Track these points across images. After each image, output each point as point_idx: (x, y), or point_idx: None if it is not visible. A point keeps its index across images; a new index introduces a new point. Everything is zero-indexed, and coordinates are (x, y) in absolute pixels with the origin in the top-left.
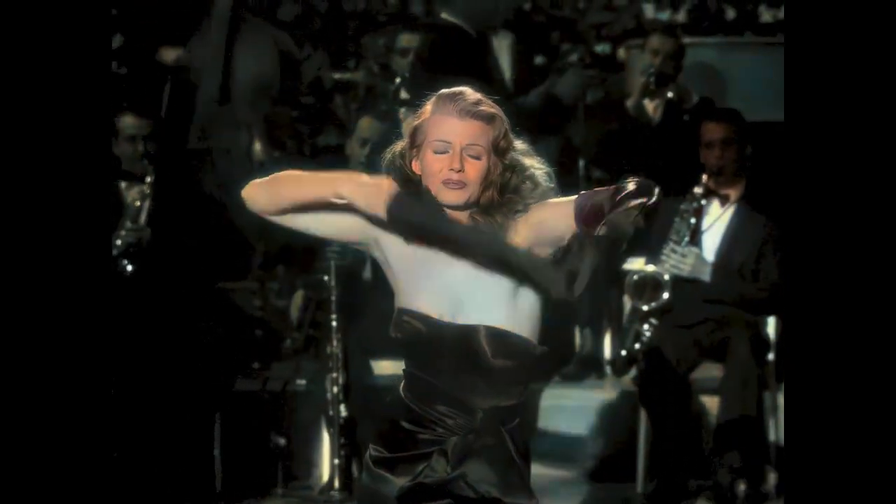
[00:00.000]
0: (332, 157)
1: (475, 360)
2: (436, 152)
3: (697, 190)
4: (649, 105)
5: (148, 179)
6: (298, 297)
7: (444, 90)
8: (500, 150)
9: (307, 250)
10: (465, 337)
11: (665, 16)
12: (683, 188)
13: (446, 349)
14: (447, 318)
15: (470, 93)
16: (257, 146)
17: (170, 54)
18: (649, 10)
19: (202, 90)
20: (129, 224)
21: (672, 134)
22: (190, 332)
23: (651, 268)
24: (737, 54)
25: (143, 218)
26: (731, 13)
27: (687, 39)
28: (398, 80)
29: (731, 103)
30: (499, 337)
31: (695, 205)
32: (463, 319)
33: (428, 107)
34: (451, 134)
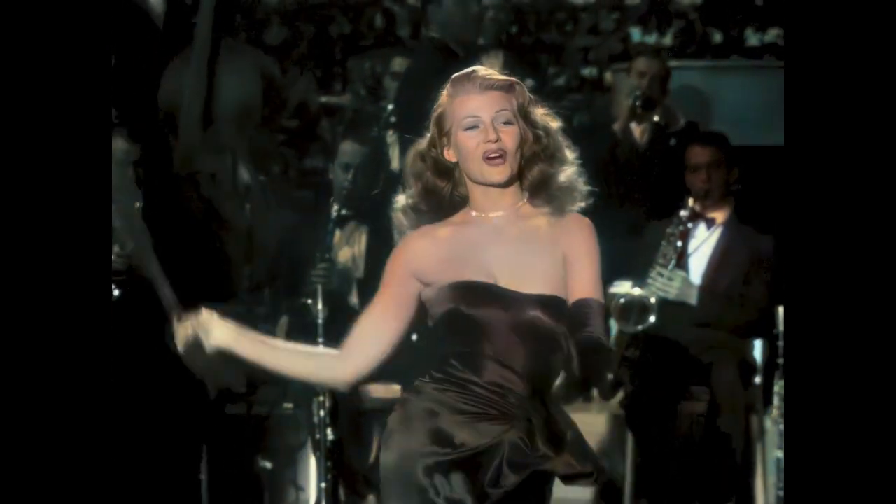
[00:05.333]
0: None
1: (530, 330)
2: (466, 129)
3: (684, 213)
4: (636, 129)
5: (138, 204)
6: (283, 324)
7: (455, 74)
8: (526, 114)
9: (293, 274)
10: (530, 307)
11: (651, 39)
12: (670, 211)
13: (514, 321)
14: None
15: (483, 69)
16: (241, 170)
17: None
18: (636, 34)
19: (184, 114)
20: (116, 249)
21: (659, 157)
22: (177, 357)
23: (638, 291)
24: (723, 78)
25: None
26: (717, 37)
27: (673, 63)
28: (391, 106)
29: (718, 126)
30: (549, 302)
31: (681, 228)
32: (504, 283)
33: (444, 94)
34: (479, 108)
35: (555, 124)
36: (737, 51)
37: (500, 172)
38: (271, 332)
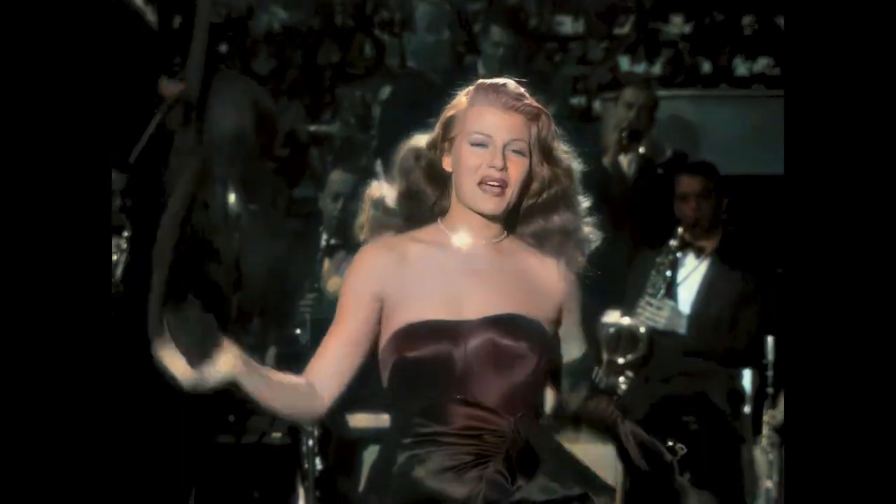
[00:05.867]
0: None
1: (496, 352)
2: (473, 145)
3: (673, 243)
4: (624, 160)
5: (125, 234)
6: (272, 355)
7: (484, 80)
8: (550, 150)
9: (282, 304)
10: (482, 330)
11: (640, 69)
12: (659, 241)
13: (466, 349)
14: (455, 318)
15: (513, 85)
16: (232, 199)
17: (170, 87)
18: (625, 64)
19: (176, 143)
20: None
21: (647, 187)
22: (164, 386)
23: (627, 320)
24: (712, 107)
25: (119, 272)
26: (706, 66)
27: (662, 92)
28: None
29: (707, 156)
30: (503, 320)
31: (670, 257)
32: (468, 316)
33: (463, 97)
34: (493, 127)
35: (577, 166)
36: (726, 80)
37: (494, 203)
38: (260, 363)
